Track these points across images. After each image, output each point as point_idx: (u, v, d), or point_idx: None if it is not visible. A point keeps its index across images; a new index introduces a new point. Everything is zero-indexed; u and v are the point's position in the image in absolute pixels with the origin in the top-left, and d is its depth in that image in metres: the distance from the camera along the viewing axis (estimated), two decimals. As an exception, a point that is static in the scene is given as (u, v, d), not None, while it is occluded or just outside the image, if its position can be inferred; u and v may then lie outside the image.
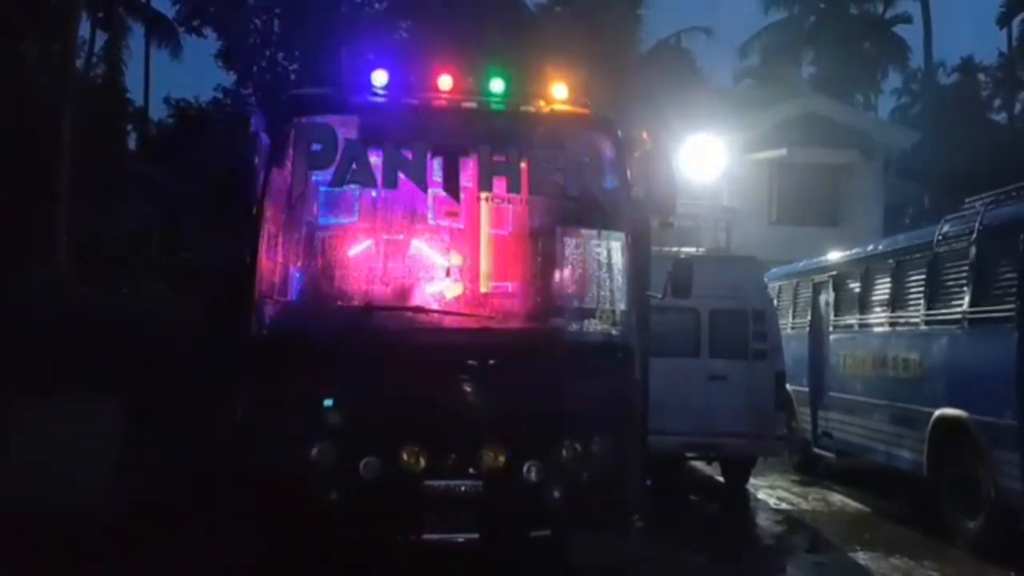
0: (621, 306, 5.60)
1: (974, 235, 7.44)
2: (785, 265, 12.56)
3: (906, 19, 33.72)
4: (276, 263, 5.31)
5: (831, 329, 10.43)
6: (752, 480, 10.17)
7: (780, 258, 12.94)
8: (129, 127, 31.98)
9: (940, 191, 26.29)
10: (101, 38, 30.45)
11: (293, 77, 24.34)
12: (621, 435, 5.41)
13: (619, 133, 5.78)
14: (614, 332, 5.55)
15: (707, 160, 14.36)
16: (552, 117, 5.78)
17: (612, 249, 5.64)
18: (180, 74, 27.66)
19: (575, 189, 5.61)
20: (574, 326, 5.56)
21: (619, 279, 5.61)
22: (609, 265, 5.64)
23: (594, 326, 5.57)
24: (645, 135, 5.64)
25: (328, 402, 5.10)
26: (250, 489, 5.06)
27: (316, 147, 5.42)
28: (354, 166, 5.39)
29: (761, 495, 9.85)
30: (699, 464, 10.99)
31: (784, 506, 9.36)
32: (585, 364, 5.38)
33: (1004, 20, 32.62)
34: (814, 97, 21.27)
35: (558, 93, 5.82)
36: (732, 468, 10.09)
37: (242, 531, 5.24)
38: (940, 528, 7.63)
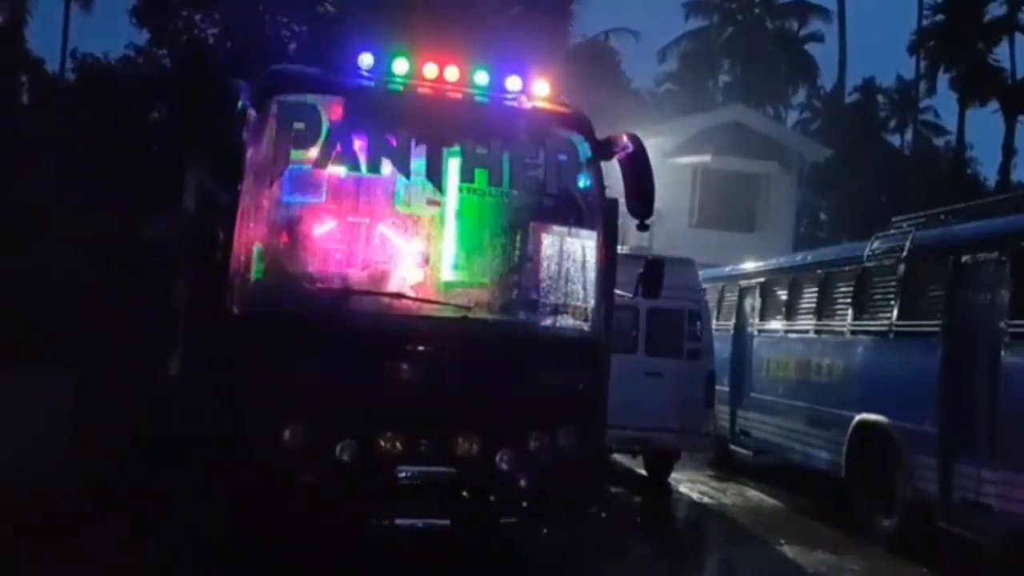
0: (592, 302, 5.77)
1: (904, 253, 7.93)
2: (705, 268, 13.02)
3: (818, 38, 35.25)
4: (254, 242, 5.24)
5: (756, 333, 10.91)
6: (671, 475, 10.54)
7: (699, 261, 13.36)
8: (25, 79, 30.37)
9: (836, 205, 27.70)
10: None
11: (211, 40, 23.69)
12: (588, 427, 5.59)
13: (595, 133, 5.95)
14: (585, 328, 5.72)
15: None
16: (533, 113, 5.88)
17: (586, 247, 5.80)
18: (106, 32, 26.39)
19: (553, 185, 5.75)
20: (548, 320, 5.70)
21: (591, 276, 5.77)
22: (583, 262, 5.79)
23: (567, 321, 5.73)
24: (625, 137, 5.79)
25: (303, 383, 5.08)
26: (224, 470, 5.00)
27: (299, 126, 5.37)
28: (338, 148, 5.37)
29: (683, 489, 10.23)
30: (618, 457, 11.28)
31: (706, 500, 9.76)
32: (557, 357, 5.54)
33: (914, 48, 34.50)
34: (738, 107, 22.10)
35: (540, 90, 5.93)
36: (657, 462, 10.43)
37: (211, 512, 5.15)
38: (853, 525, 8.11)
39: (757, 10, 35.49)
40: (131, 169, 18.33)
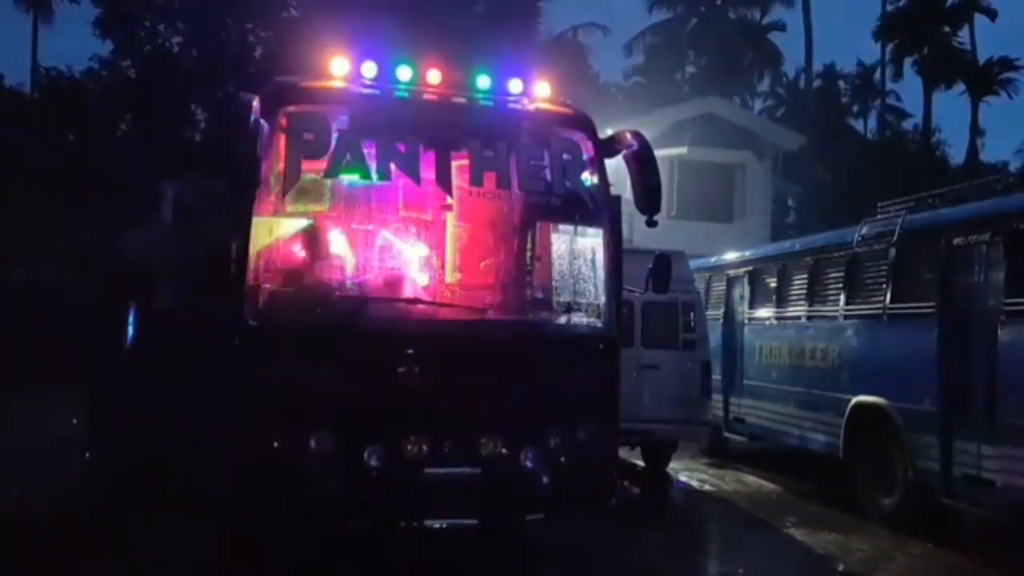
0: (602, 299, 5.86)
1: (895, 237, 8.10)
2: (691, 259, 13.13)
3: (780, 27, 35.65)
4: (270, 254, 5.28)
5: (746, 321, 11.05)
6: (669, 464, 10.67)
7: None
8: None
9: (808, 192, 28.07)
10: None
11: (176, 49, 23.52)
12: (604, 421, 5.69)
13: (597, 132, 6.04)
14: (598, 324, 5.81)
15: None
16: (537, 114, 5.95)
17: (595, 245, 5.89)
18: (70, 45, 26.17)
19: (559, 185, 5.81)
20: (562, 319, 5.79)
21: (601, 273, 5.86)
22: (592, 260, 5.89)
23: (580, 319, 5.82)
24: (630, 135, 5.88)
25: (325, 392, 5.11)
26: (249, 479, 5.02)
27: (309, 136, 5.40)
28: (348, 157, 5.40)
29: (683, 477, 10.37)
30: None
31: (707, 488, 9.90)
32: (573, 355, 5.62)
33: (879, 33, 35.03)
34: (712, 99, 22.31)
35: (541, 91, 6.00)
36: (655, 453, 10.55)
37: (239, 519, 5.17)
38: (853, 505, 8.28)
39: (719, 1, 35.78)
40: (102, 182, 18.20)
